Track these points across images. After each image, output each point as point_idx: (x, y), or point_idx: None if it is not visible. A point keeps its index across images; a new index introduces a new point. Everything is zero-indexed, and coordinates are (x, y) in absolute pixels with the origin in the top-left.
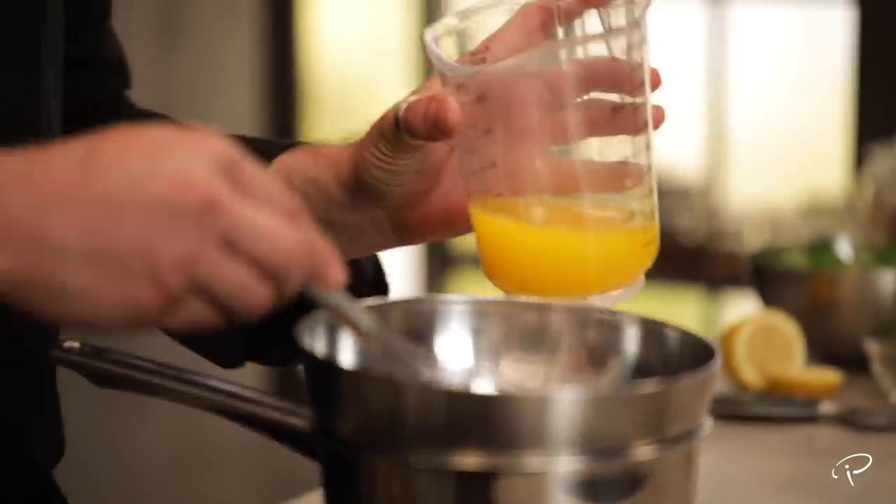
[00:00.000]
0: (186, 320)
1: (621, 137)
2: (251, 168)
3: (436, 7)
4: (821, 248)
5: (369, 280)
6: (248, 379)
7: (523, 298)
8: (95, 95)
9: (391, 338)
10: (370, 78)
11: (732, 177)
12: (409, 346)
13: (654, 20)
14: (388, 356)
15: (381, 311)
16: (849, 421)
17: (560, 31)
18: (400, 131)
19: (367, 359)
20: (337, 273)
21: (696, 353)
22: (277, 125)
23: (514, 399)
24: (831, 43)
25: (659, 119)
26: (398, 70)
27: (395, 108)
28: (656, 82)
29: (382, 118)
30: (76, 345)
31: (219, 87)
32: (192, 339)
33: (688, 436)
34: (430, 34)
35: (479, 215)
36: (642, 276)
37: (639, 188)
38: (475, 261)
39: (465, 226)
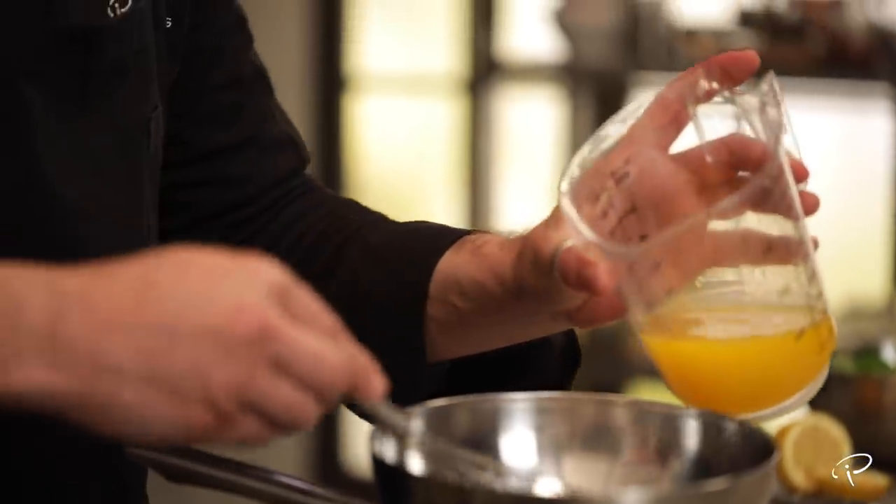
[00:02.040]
0: (238, 437)
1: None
2: (300, 292)
3: (482, 108)
4: (867, 353)
5: (559, 351)
6: (290, 470)
7: (584, 394)
8: (266, 177)
9: (437, 443)
10: (415, 173)
11: None
12: (457, 450)
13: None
14: (439, 460)
15: (446, 412)
16: None
17: (695, 118)
18: (555, 271)
19: (436, 460)
20: (377, 385)
21: (754, 447)
22: None
23: (580, 502)
24: (872, 148)
25: (812, 206)
26: (442, 166)
27: (552, 246)
28: (803, 174)
29: (538, 251)
30: None
31: None
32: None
33: None
34: (565, 193)
35: (649, 338)
36: (824, 373)
37: (806, 287)
38: None
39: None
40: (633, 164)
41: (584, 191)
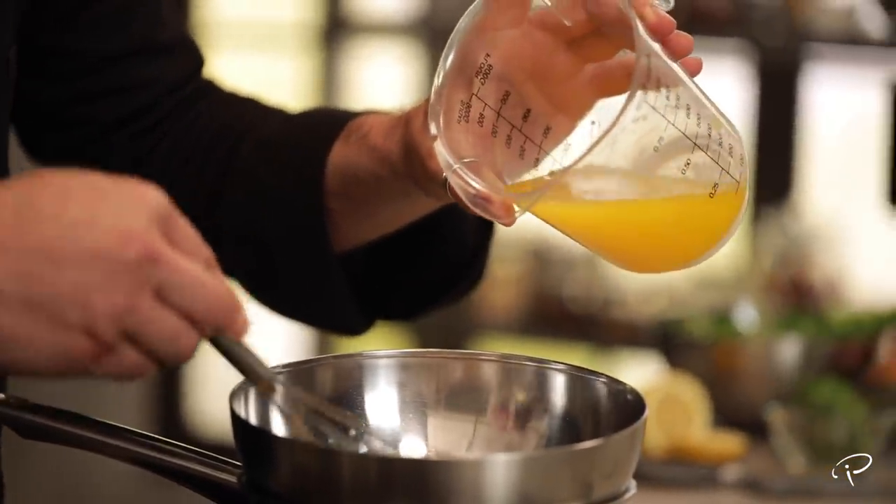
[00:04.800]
0: (117, 368)
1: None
2: (181, 221)
3: (334, 65)
4: (721, 320)
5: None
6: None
7: (449, 351)
8: (163, 82)
9: (292, 391)
10: None
11: None
12: (312, 398)
13: None
14: (293, 410)
15: (310, 370)
16: (750, 486)
17: None
18: (448, 191)
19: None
20: (245, 322)
21: (623, 405)
22: None
23: (443, 464)
24: (728, 110)
25: (685, 49)
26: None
27: (440, 167)
28: (668, 27)
29: (427, 167)
30: (2, 396)
31: None
32: (312, 317)
33: (615, 496)
34: (437, 136)
35: (555, 208)
36: (741, 216)
37: (708, 132)
38: None
39: None
40: (493, 55)
41: (454, 107)
